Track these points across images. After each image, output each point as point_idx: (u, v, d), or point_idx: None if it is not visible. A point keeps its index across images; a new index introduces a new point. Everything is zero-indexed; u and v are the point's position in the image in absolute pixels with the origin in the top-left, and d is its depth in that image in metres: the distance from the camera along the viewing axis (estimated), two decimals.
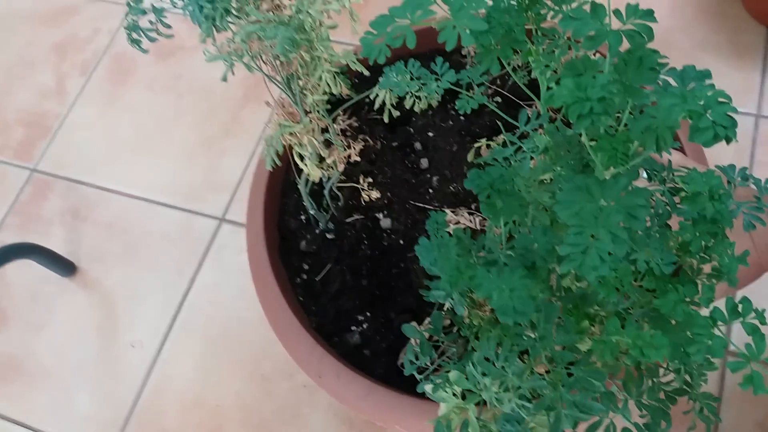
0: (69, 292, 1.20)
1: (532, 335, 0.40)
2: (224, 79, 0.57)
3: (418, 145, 0.85)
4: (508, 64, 0.44)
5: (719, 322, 0.39)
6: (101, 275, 1.21)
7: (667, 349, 0.36)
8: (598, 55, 0.79)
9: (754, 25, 1.27)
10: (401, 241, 0.79)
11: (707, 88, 0.32)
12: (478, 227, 0.76)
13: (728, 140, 0.31)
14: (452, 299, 0.47)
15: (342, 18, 0.58)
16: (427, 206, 0.80)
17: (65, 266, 1.19)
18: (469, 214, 0.78)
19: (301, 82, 0.60)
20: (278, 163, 0.59)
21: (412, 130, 0.86)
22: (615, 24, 0.39)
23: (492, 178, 0.40)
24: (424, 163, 0.83)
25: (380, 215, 0.80)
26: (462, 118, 0.86)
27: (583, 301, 0.43)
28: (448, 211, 0.79)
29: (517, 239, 0.42)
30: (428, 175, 0.82)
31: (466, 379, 0.46)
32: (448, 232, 0.55)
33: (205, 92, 1.37)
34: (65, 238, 1.25)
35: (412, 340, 0.55)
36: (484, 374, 0.41)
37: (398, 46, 0.35)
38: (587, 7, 0.42)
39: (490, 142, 0.72)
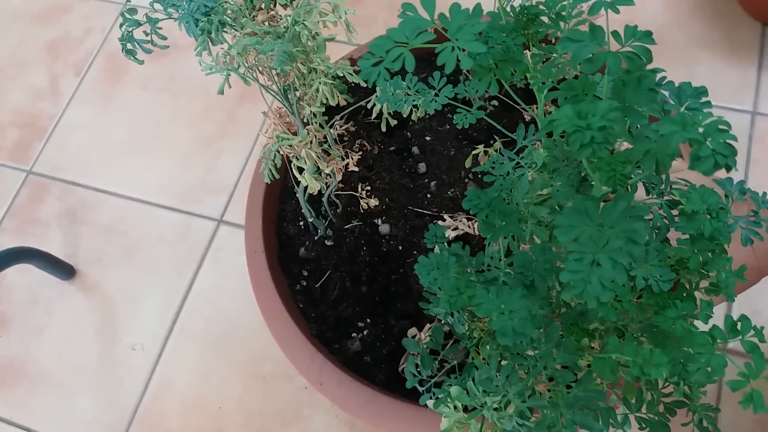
0: (68, 296, 1.20)
1: (532, 353, 0.41)
2: (221, 92, 0.57)
3: (415, 150, 0.85)
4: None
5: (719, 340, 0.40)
6: (100, 278, 1.21)
7: (667, 366, 0.36)
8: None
9: (749, 21, 1.27)
10: (400, 247, 0.79)
11: (706, 115, 0.32)
12: (477, 233, 0.77)
13: (728, 169, 0.31)
14: (452, 317, 0.47)
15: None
16: (425, 211, 0.80)
17: (64, 269, 1.19)
18: (468, 219, 0.78)
19: (297, 93, 0.60)
20: (276, 176, 0.59)
21: (409, 134, 0.86)
22: (613, 45, 0.39)
23: (490, 198, 0.40)
24: (422, 167, 0.83)
25: (379, 221, 0.80)
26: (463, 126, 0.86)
27: (582, 317, 0.43)
28: (446, 216, 0.79)
29: (515, 257, 0.42)
30: (426, 180, 0.82)
31: (467, 394, 0.47)
32: (448, 243, 0.55)
33: (201, 92, 1.37)
34: (63, 241, 1.25)
35: (413, 353, 0.55)
36: (485, 392, 0.42)
37: (397, 69, 0.35)
38: (586, 27, 0.42)
39: (488, 149, 0.72)
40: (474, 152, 0.72)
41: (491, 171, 0.55)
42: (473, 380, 0.46)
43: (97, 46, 1.44)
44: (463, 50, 0.35)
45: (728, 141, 0.31)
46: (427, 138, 0.86)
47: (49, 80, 1.41)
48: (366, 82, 0.36)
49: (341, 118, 0.75)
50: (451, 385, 0.49)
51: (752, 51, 1.26)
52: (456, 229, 0.77)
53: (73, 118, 1.37)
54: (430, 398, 0.54)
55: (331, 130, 0.68)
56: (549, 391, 0.42)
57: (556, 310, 0.44)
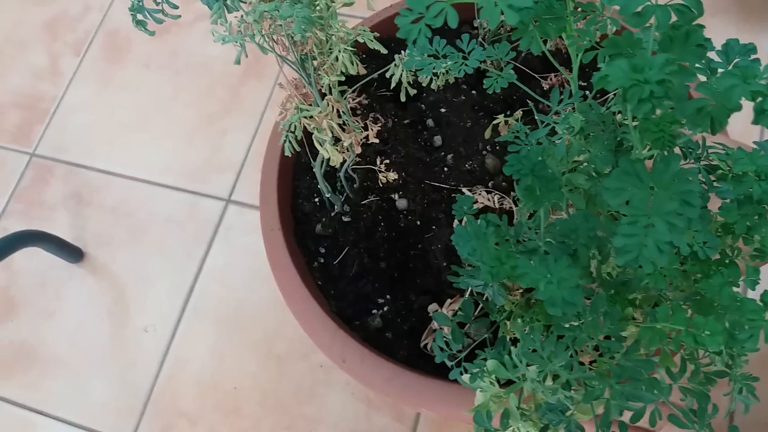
0: (77, 278, 1.19)
1: (577, 324, 0.39)
2: (237, 62, 0.55)
3: (430, 122, 0.83)
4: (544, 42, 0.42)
5: None
6: (109, 260, 1.19)
7: (722, 335, 0.35)
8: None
9: None
10: (418, 222, 0.77)
11: (767, 68, 0.30)
12: (497, 206, 0.75)
13: None
14: (491, 289, 0.45)
15: None
16: (443, 185, 0.78)
17: (72, 252, 1.18)
18: (487, 192, 0.77)
19: (315, 62, 0.58)
20: (297, 148, 0.57)
21: (423, 106, 0.84)
22: None
23: (532, 163, 0.39)
24: (438, 140, 0.82)
25: (396, 196, 0.78)
26: (474, 92, 0.84)
27: (624, 287, 0.42)
28: (465, 189, 0.78)
29: (557, 225, 0.40)
30: (442, 153, 0.81)
31: (504, 367, 0.45)
32: (474, 215, 0.53)
33: (203, 69, 1.34)
34: (70, 224, 1.23)
35: (443, 327, 0.54)
36: (528, 365, 0.40)
37: (439, 25, 0.33)
38: None
39: (508, 119, 0.70)
40: (494, 122, 0.70)
41: (516, 141, 0.54)
42: (510, 353, 0.45)
43: (96, 25, 1.41)
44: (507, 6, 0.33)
45: None
46: (442, 110, 0.84)
47: (49, 60, 1.39)
48: (401, 40, 0.34)
49: (353, 91, 0.73)
50: (485, 359, 0.47)
51: (765, 16, 1.23)
52: (476, 202, 0.75)
53: (74, 98, 1.35)
54: (461, 373, 0.53)
55: (345, 102, 0.66)
56: (593, 362, 0.41)
57: (597, 280, 0.42)
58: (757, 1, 1.24)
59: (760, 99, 0.29)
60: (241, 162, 1.25)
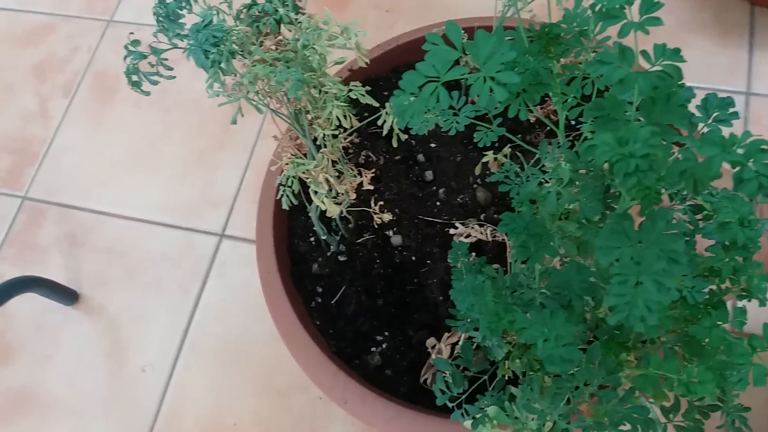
0: (73, 321, 1.19)
1: (573, 372, 0.41)
2: (234, 122, 0.56)
3: (421, 157, 0.85)
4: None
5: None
6: (105, 301, 1.20)
7: (713, 383, 0.37)
8: None
9: (737, 2, 1.28)
10: (413, 258, 0.79)
11: (746, 135, 0.32)
12: (489, 239, 0.77)
13: None
14: (490, 341, 0.47)
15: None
16: (436, 220, 0.80)
17: (67, 295, 1.18)
18: (480, 225, 0.78)
19: (309, 116, 0.59)
20: (295, 202, 0.58)
21: (413, 142, 0.86)
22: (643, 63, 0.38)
23: (526, 222, 0.40)
24: (429, 175, 0.83)
25: (390, 232, 0.79)
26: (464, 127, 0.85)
27: (619, 332, 0.43)
28: (457, 223, 0.79)
29: (551, 277, 0.42)
30: (434, 188, 0.82)
31: (505, 412, 0.47)
32: (468, 249, 0.55)
33: (193, 105, 1.35)
34: (64, 266, 1.23)
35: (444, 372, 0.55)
36: (527, 413, 0.42)
37: (432, 107, 0.34)
38: (609, 43, 0.42)
39: (497, 155, 0.72)
40: (484, 159, 0.71)
41: (506, 180, 0.55)
42: (510, 396, 0.47)
43: (84, 66, 1.42)
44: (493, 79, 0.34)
45: None
46: (432, 145, 0.85)
47: (38, 103, 1.39)
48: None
49: (346, 133, 0.74)
50: (486, 404, 0.49)
51: (742, 31, 1.26)
52: (468, 236, 0.77)
53: (65, 140, 1.35)
54: (462, 415, 0.54)
55: (340, 151, 0.67)
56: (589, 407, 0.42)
57: (591, 327, 0.44)
58: (734, 18, 1.27)
59: (738, 168, 0.31)
60: (233, 196, 1.27)
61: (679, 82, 0.36)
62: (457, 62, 0.35)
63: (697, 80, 1.21)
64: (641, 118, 0.37)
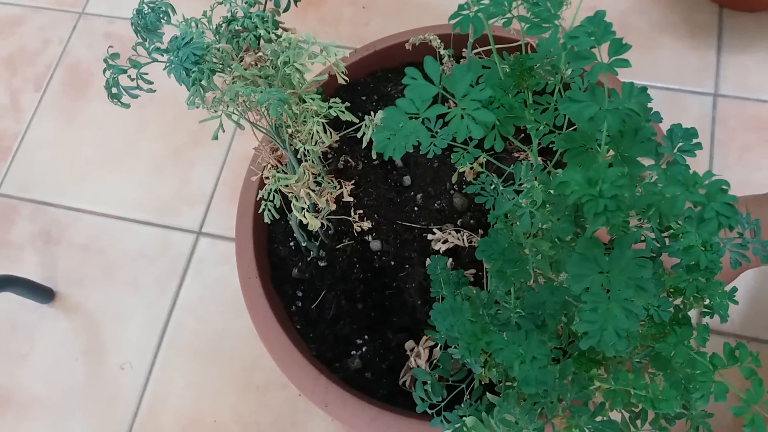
0: (50, 319, 1.18)
1: (547, 391, 0.43)
2: (215, 137, 0.57)
3: (399, 162, 0.86)
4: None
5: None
6: (81, 299, 1.19)
7: (678, 401, 0.39)
8: None
9: (706, 3, 1.31)
10: (392, 262, 0.80)
11: (707, 174, 0.34)
12: (466, 245, 0.79)
13: (731, 228, 0.33)
14: (469, 360, 0.49)
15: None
16: (414, 225, 0.82)
17: (43, 293, 1.17)
18: (456, 231, 0.80)
19: (289, 130, 0.60)
20: (276, 216, 0.59)
21: None
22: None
23: (502, 248, 0.42)
24: (407, 180, 0.85)
25: (369, 238, 0.81)
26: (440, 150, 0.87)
27: (589, 347, 0.45)
28: (435, 229, 0.81)
29: (525, 298, 0.44)
30: (412, 193, 0.84)
31: (482, 423, 0.49)
32: (437, 251, 0.56)
33: (169, 101, 1.34)
34: (39, 263, 1.23)
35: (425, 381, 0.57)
36: (504, 427, 0.44)
37: (413, 143, 0.36)
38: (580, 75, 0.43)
39: (473, 165, 0.74)
40: (459, 170, 0.73)
41: (482, 192, 0.57)
42: (488, 409, 0.49)
43: (55, 59, 1.39)
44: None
45: (729, 202, 0.33)
46: (410, 150, 0.87)
47: (9, 97, 1.37)
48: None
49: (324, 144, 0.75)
50: (465, 412, 0.51)
51: (711, 33, 1.30)
52: (446, 242, 0.79)
53: (37, 134, 1.33)
54: (442, 422, 0.56)
55: (315, 147, 0.68)
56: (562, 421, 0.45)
57: (563, 341, 0.46)
58: (703, 19, 1.30)
59: (700, 208, 0.33)
60: (210, 193, 1.27)
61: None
62: (435, 98, 0.36)
63: (667, 81, 1.24)
64: (611, 150, 0.39)
